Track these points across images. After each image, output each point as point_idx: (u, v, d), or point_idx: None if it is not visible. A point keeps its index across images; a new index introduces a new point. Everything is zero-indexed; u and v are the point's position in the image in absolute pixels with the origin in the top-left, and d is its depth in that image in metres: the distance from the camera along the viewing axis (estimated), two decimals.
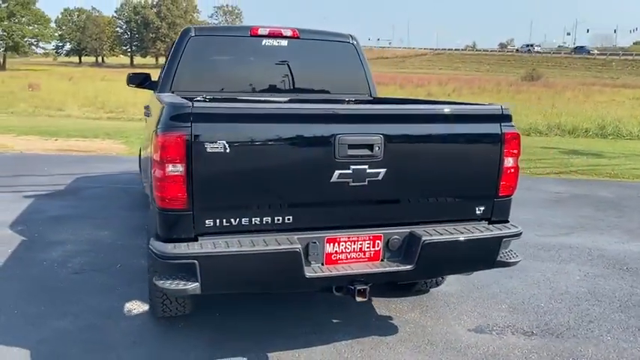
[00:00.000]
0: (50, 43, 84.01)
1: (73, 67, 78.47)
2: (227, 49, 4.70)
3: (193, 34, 4.49)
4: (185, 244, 2.70)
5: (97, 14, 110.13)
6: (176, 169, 2.64)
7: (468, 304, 4.05)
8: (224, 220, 2.76)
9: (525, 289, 4.36)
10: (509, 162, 3.17)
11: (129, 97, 19.82)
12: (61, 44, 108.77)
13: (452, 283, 4.39)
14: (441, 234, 3.02)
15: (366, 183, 2.89)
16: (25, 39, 78.92)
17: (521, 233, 3.24)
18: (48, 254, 4.90)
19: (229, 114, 2.78)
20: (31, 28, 79.13)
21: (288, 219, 2.86)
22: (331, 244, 2.94)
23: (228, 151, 2.67)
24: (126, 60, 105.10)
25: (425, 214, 3.12)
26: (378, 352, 3.33)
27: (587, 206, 7.23)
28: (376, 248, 3.01)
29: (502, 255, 3.20)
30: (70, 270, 4.58)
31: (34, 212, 6.32)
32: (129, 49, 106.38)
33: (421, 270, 3.04)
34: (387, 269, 2.98)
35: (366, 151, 2.85)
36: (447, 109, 3.16)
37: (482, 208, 3.19)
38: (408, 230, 3.03)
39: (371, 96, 4.90)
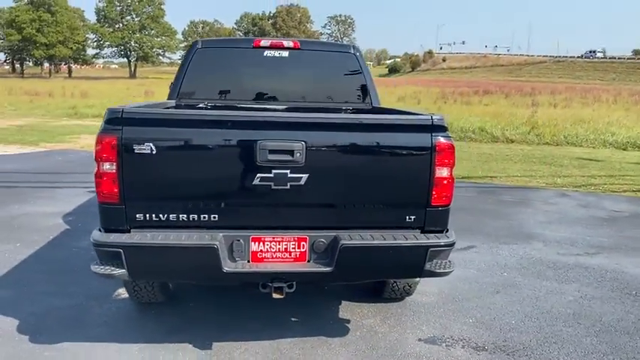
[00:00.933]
0: (175, 53, 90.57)
1: None
2: (230, 60, 5.01)
3: (200, 47, 4.86)
4: (115, 234, 3.03)
5: (219, 26, 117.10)
6: (109, 167, 2.99)
7: (435, 315, 4.02)
8: (154, 215, 3.06)
9: (505, 305, 4.23)
10: (441, 172, 3.17)
11: None
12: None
13: (432, 294, 4.37)
14: (363, 239, 3.10)
15: (289, 187, 3.05)
16: (154, 49, 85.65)
17: (453, 244, 3.22)
18: (80, 242, 5.50)
19: (157, 119, 3.08)
20: (159, 39, 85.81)
21: (214, 217, 3.10)
22: (256, 243, 3.13)
23: (154, 152, 2.97)
24: None
25: (352, 219, 3.21)
26: (316, 352, 3.45)
27: (638, 227, 6.70)
28: (301, 250, 3.15)
29: (433, 265, 3.20)
30: (92, 257, 5.12)
31: (90, 205, 7.06)
32: None
33: (341, 273, 3.13)
34: (305, 269, 3.12)
35: (287, 157, 3.01)
36: (369, 119, 3.24)
37: (413, 217, 3.22)
38: (334, 234, 3.14)
39: (371, 105, 4.98)
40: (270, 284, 3.11)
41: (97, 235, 3.07)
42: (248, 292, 3.85)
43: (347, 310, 4.07)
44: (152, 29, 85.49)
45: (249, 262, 3.13)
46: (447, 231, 3.30)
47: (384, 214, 3.23)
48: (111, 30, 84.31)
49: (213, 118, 3.21)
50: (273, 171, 3.02)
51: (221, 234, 3.07)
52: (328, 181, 3.13)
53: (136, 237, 3.01)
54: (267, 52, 4.88)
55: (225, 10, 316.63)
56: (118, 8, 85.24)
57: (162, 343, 3.52)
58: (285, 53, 4.91)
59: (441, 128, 3.16)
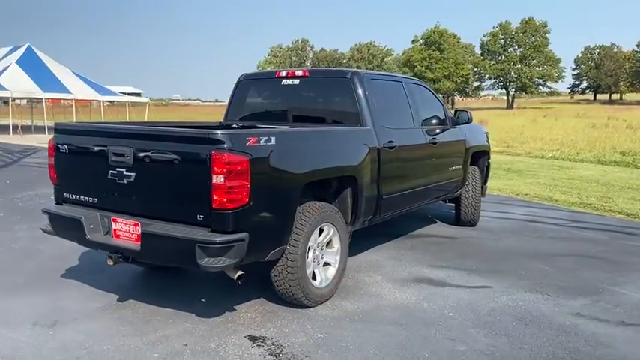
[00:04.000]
0: (557, 82, 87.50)
1: (584, 104, 79.76)
2: (260, 89, 6.01)
3: (242, 79, 6.05)
4: (53, 205, 4.61)
5: (616, 49, 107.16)
6: (51, 161, 4.60)
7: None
8: (71, 195, 4.52)
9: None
10: (218, 179, 3.64)
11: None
12: (577, 82, 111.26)
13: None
14: (155, 228, 3.87)
15: (125, 182, 4.08)
16: (533, 79, 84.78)
17: (215, 242, 3.62)
18: None
19: (69, 129, 4.52)
20: (539, 69, 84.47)
21: (95, 201, 4.35)
22: (115, 223, 4.22)
23: (67, 152, 4.44)
24: None
25: (162, 212, 3.97)
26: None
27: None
28: (138, 232, 4.08)
29: (207, 260, 3.67)
30: None
31: None
32: None
33: (144, 253, 3.94)
34: (125, 245, 4.04)
35: (122, 159, 4.05)
36: (164, 131, 3.92)
37: (202, 216, 3.76)
38: (149, 222, 3.98)
39: (362, 125, 5.22)
40: (111, 254, 4.15)
41: (47, 204, 4.71)
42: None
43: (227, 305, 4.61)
44: (533, 59, 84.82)
45: (112, 236, 4.24)
46: (241, 232, 3.71)
47: (182, 211, 3.87)
48: (493, 62, 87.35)
49: (88, 129, 4.47)
50: (117, 169, 4.10)
51: (97, 213, 4.30)
52: (145, 179, 4.00)
53: (53, 208, 4.53)
54: (284, 81, 5.71)
55: (623, 32, 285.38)
56: (502, 41, 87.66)
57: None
58: (297, 81, 5.64)
59: (220, 142, 3.64)
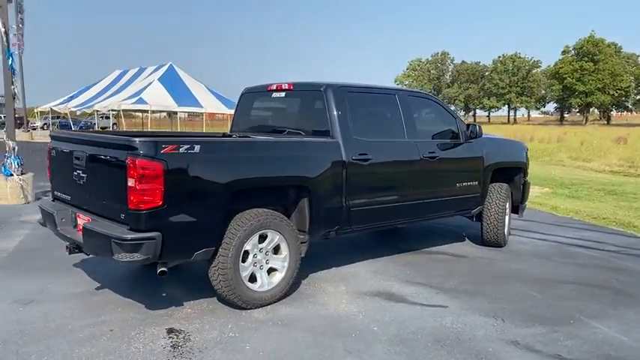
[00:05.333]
0: None
1: None
2: (258, 102, 6.33)
3: (244, 92, 6.45)
4: (46, 200, 5.36)
5: None
6: (47, 163, 5.35)
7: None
8: (58, 193, 5.22)
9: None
10: (133, 182, 4.05)
11: None
12: None
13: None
14: (91, 224, 4.38)
15: (82, 182, 4.67)
16: None
17: (126, 239, 4.00)
18: None
19: (57, 137, 5.22)
20: None
21: (69, 198, 5.00)
22: (79, 219, 4.82)
23: (55, 156, 5.17)
24: None
25: (102, 210, 4.46)
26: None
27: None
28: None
29: (120, 255, 4.08)
30: None
31: None
32: None
33: (85, 246, 4.46)
34: (78, 239, 4.59)
35: (79, 162, 4.65)
36: (100, 137, 4.39)
37: (123, 216, 4.19)
38: (97, 219, 4.51)
39: (331, 137, 5.33)
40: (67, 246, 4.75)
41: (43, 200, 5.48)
42: None
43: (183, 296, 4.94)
44: None
45: (77, 230, 4.85)
46: (153, 232, 4.08)
47: (114, 210, 4.31)
48: None
49: (66, 136, 5.10)
50: (77, 170, 4.71)
51: (70, 209, 4.94)
52: (92, 180, 4.55)
53: (43, 203, 5.27)
54: (274, 94, 6.02)
55: None
56: None
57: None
58: (283, 94, 5.92)
59: (135, 148, 4.05)
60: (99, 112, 30.92)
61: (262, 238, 4.76)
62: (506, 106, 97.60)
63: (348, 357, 3.85)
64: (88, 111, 32.53)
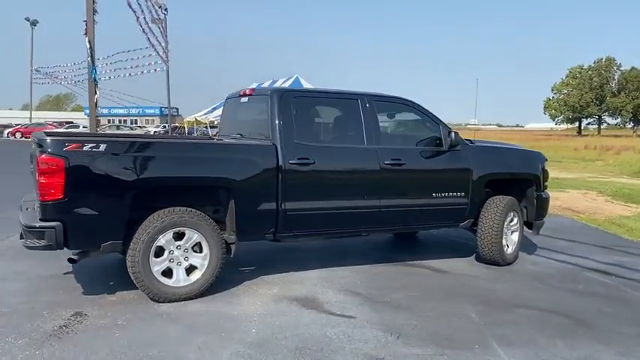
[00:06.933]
0: None
1: None
2: (232, 108, 6.56)
3: (227, 98, 6.75)
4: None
5: None
6: None
7: None
8: None
9: None
10: (38, 176, 4.53)
11: None
12: None
13: None
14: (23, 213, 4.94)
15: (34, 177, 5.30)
16: None
17: (28, 227, 4.49)
18: None
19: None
20: None
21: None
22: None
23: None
24: None
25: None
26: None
27: None
28: None
29: (29, 242, 4.57)
30: None
31: None
32: None
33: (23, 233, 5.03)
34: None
35: (32, 159, 5.28)
36: (37, 136, 4.86)
37: (38, 206, 4.69)
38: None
39: (271, 142, 5.42)
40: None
41: None
42: None
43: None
44: None
45: None
46: (54, 222, 4.52)
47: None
48: None
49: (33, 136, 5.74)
50: (31, 166, 5.35)
51: (30, 200, 5.57)
52: (33, 174, 5.11)
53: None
54: (241, 99, 6.25)
55: None
56: None
57: None
58: (246, 99, 6.13)
59: (43, 146, 4.54)
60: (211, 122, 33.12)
61: (181, 236, 4.98)
62: None
63: (191, 353, 3.92)
64: None
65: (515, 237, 6.77)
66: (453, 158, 6.24)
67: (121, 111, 64.59)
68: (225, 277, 5.63)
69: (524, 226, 7.03)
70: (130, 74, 28.42)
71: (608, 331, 4.67)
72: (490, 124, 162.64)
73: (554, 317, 4.93)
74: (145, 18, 15.92)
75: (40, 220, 4.57)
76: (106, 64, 24.96)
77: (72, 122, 47.65)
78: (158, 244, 4.88)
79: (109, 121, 60.56)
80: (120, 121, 63.15)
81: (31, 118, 50.91)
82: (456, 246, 7.63)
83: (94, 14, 11.30)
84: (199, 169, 5.06)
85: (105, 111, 65.73)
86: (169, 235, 4.92)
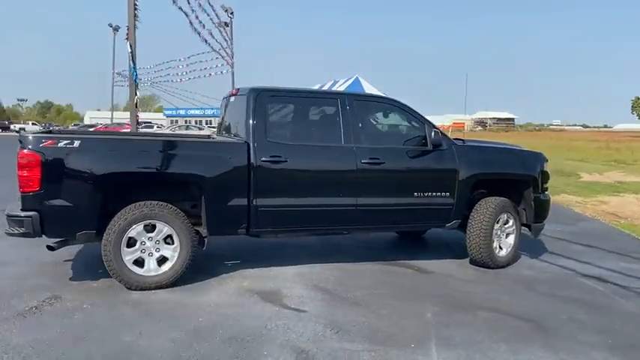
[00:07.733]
0: None
1: None
2: (224, 106, 6.79)
3: (223, 98, 7.01)
4: None
5: None
6: None
7: None
8: None
9: None
10: (18, 169, 4.96)
11: None
12: None
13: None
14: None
15: None
16: None
17: (9, 216, 4.93)
18: None
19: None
20: None
21: None
22: None
23: None
24: None
25: None
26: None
27: None
28: None
29: (12, 230, 5.02)
30: None
31: None
32: None
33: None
34: None
35: None
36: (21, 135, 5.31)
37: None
38: None
39: (244, 140, 5.63)
40: None
41: None
42: None
43: None
44: None
45: None
46: (31, 211, 4.93)
47: None
48: None
49: None
50: None
51: None
52: None
53: None
54: (231, 98, 6.50)
55: None
56: None
57: None
58: (233, 98, 6.37)
59: (23, 142, 4.96)
60: None
61: (152, 228, 5.27)
62: None
63: (128, 337, 4.17)
64: None
65: (510, 240, 6.59)
66: (438, 158, 6.16)
67: (197, 112, 67.09)
68: (208, 269, 5.91)
69: (529, 230, 6.84)
70: (199, 76, 29.78)
71: (566, 338, 4.49)
72: (575, 125, 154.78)
73: (513, 321, 4.79)
74: (199, 20, 16.90)
75: (21, 210, 5.00)
76: (181, 66, 26.61)
77: (149, 122, 49.97)
78: (130, 235, 5.19)
79: (185, 121, 62.99)
80: (196, 122, 65.72)
81: (112, 118, 53.93)
82: (460, 248, 7.47)
83: (135, 20, 12.00)
84: (169, 165, 5.33)
85: (182, 112, 68.86)
86: (140, 227, 5.21)
